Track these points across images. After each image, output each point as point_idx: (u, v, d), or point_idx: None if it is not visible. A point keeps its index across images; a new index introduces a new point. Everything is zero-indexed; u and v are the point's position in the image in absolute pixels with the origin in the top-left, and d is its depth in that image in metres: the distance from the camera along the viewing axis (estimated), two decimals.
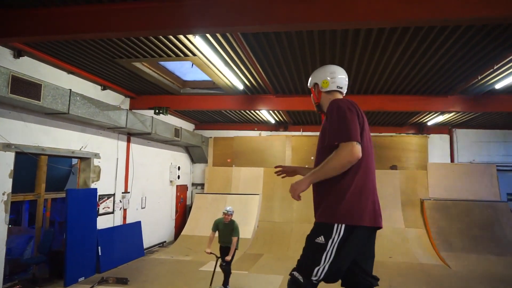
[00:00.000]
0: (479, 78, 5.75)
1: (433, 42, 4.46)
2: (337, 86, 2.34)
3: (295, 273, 2.03)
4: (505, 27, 4.00)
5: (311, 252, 2.01)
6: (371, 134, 2.26)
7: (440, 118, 9.01)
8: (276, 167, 2.66)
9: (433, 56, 4.95)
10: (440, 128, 10.41)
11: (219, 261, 5.63)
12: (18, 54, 5.06)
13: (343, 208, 1.98)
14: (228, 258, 5.49)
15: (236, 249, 5.59)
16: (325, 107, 2.30)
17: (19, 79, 4.48)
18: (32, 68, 5.27)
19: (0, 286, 4.87)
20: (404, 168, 10.32)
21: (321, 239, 1.97)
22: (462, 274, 7.20)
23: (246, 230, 9.19)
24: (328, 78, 2.33)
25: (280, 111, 9.07)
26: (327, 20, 3.31)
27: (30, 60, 5.31)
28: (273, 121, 10.47)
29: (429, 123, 9.83)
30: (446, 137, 10.49)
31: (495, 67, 5.21)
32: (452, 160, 10.34)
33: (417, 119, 9.43)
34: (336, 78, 2.34)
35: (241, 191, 10.47)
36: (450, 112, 8.09)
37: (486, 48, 4.63)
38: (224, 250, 5.69)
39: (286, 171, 2.62)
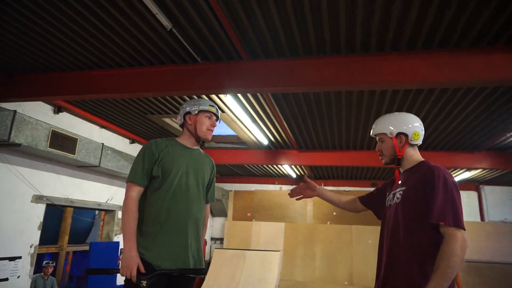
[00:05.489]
0: (507, 136, 5.70)
1: (459, 102, 4.52)
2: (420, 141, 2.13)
3: None
4: None
5: None
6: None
7: (467, 174, 8.79)
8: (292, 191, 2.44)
9: (459, 115, 4.97)
10: (466, 185, 10.10)
11: None
12: (58, 110, 5.37)
13: None
14: None
15: None
16: (408, 163, 2.09)
17: (58, 134, 4.71)
18: (69, 123, 5.55)
19: None
20: None
21: None
22: None
23: None
24: (419, 131, 2.09)
25: (302, 166, 9.07)
26: (355, 83, 3.45)
27: (68, 115, 5.61)
28: (294, 175, 10.44)
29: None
30: (474, 194, 10.13)
31: None
32: (482, 218, 9.90)
33: None
34: (423, 131, 2.12)
35: (261, 247, 10.15)
36: (477, 168, 7.90)
37: None
38: None
39: (302, 191, 2.41)
